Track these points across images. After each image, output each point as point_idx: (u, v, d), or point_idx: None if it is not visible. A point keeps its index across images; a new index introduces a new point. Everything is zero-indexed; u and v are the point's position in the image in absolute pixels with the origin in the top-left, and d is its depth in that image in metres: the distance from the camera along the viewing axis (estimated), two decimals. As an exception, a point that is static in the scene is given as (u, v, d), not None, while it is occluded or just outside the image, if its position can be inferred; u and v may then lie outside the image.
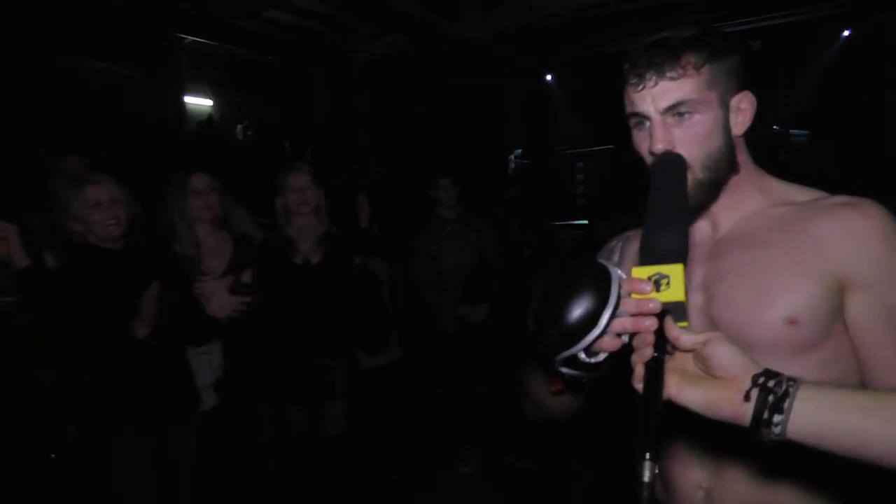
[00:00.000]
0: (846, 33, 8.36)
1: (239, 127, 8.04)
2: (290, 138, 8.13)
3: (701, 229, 1.24)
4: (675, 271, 0.92)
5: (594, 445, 3.43)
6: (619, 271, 0.99)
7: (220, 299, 2.83)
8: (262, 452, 3.26)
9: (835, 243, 1.07)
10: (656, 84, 1.11)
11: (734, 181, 1.19)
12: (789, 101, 8.46)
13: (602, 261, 1.02)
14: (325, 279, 3.22)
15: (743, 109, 1.17)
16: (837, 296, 1.07)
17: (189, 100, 7.69)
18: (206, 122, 7.80)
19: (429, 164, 5.74)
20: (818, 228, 1.10)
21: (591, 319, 0.94)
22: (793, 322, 1.08)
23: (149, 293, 2.55)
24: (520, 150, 10.29)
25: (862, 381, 1.09)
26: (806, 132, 8.85)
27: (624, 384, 0.91)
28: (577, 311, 0.94)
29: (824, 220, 1.10)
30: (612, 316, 0.94)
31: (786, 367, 1.07)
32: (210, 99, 7.94)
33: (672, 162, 1.08)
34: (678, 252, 0.94)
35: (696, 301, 1.19)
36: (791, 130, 8.66)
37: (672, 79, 1.11)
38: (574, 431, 3.71)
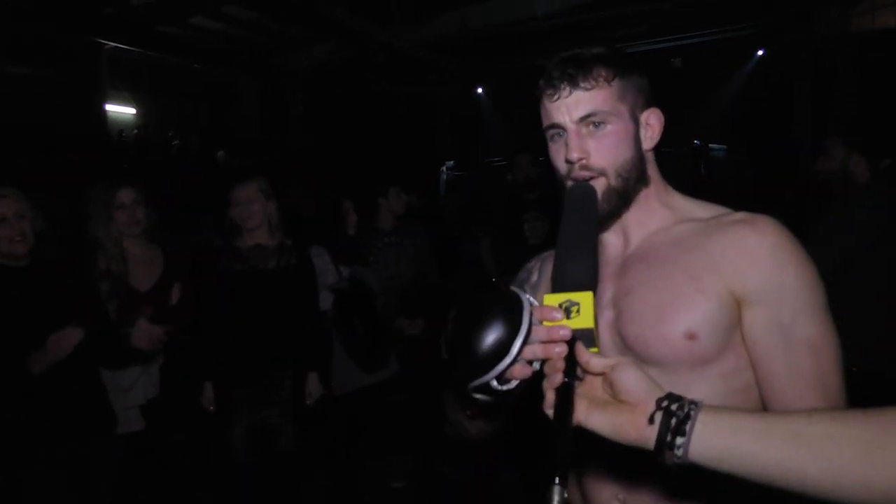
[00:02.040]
0: (760, 52, 8.78)
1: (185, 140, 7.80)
2: (223, 147, 7.96)
3: (613, 245, 1.28)
4: (584, 299, 0.94)
5: (526, 455, 3.46)
6: (532, 298, 1.01)
7: (141, 331, 2.74)
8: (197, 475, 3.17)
9: (728, 260, 1.11)
10: (570, 94, 1.17)
11: (644, 194, 1.23)
12: (708, 117, 8.83)
13: (514, 288, 1.03)
14: (272, 290, 3.16)
15: (651, 125, 1.23)
16: (734, 310, 1.11)
17: (111, 108, 7.42)
18: (130, 131, 7.55)
19: (375, 173, 5.67)
20: (714, 245, 1.14)
21: (502, 348, 0.95)
22: (692, 337, 1.11)
23: (62, 334, 2.42)
24: (452, 162, 10.36)
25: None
26: (724, 147, 9.23)
27: (537, 409, 0.92)
28: (489, 339, 0.95)
29: (720, 238, 1.14)
30: (524, 344, 0.95)
31: (689, 380, 1.12)
32: (133, 107, 7.69)
33: (584, 191, 1.12)
34: (588, 280, 0.97)
35: (608, 317, 1.22)
36: (710, 145, 9.02)
37: (585, 89, 1.16)
38: (505, 441, 3.73)
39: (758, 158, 8.63)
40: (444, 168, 10.23)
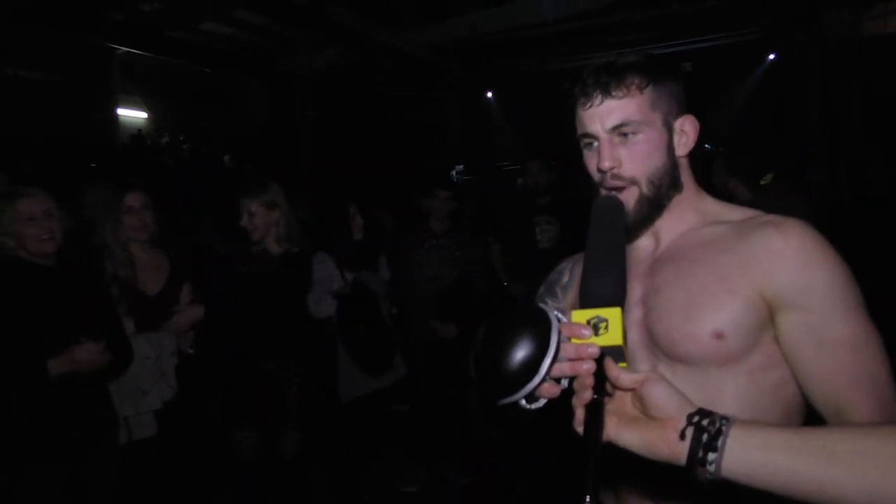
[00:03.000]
0: (772, 56, 8.74)
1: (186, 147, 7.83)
2: (230, 152, 7.99)
3: (644, 246, 1.29)
4: (613, 315, 0.93)
5: (535, 461, 3.45)
6: (560, 315, 1.00)
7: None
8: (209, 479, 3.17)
9: (758, 262, 1.12)
10: (602, 102, 1.18)
11: (677, 199, 1.25)
12: (720, 121, 8.79)
13: (542, 305, 1.03)
14: (266, 294, 3.15)
15: (686, 132, 1.24)
16: (763, 311, 1.11)
17: (122, 112, 7.47)
18: (140, 135, 7.57)
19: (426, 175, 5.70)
20: (743, 247, 1.15)
21: (531, 367, 0.95)
22: (719, 336, 1.12)
23: (85, 347, 2.46)
24: (461, 166, 10.37)
25: (798, 391, 1.13)
26: (734, 151, 9.18)
27: (566, 426, 0.91)
28: (517, 358, 0.95)
29: (749, 240, 1.15)
30: (553, 363, 0.95)
31: (718, 378, 1.13)
32: (144, 111, 7.73)
33: (611, 205, 1.12)
34: (616, 296, 0.96)
35: (637, 315, 1.24)
36: (721, 149, 8.98)
37: (617, 98, 1.17)
38: (515, 448, 3.73)
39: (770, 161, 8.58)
40: (455, 172, 10.23)
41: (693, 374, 1.15)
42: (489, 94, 10.62)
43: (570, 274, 1.44)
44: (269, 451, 3.24)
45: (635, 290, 1.24)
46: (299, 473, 3.36)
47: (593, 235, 1.06)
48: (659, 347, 1.20)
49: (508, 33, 7.95)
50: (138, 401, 2.84)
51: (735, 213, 1.25)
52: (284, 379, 3.22)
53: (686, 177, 1.27)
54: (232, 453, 3.22)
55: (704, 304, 1.15)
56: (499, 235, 4.75)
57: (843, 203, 7.36)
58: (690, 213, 1.26)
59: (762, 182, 3.38)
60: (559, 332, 0.96)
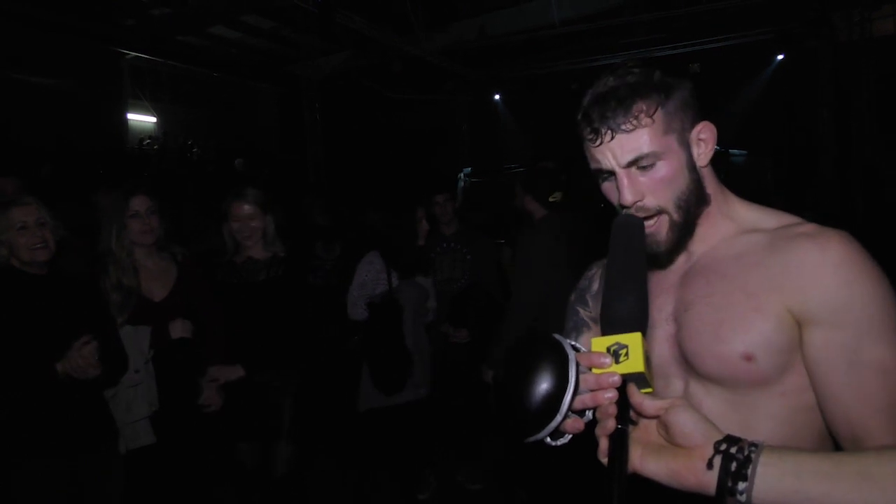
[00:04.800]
0: (780, 57, 8.70)
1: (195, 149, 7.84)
2: (241, 157, 7.99)
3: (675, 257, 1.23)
4: (633, 340, 0.89)
5: (546, 467, 3.44)
6: (576, 344, 0.98)
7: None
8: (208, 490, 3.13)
9: (790, 277, 1.05)
10: (613, 138, 1.09)
11: (706, 213, 1.17)
12: (728, 122, 8.73)
13: (557, 336, 0.99)
14: (265, 301, 3.11)
15: (704, 140, 1.15)
16: (793, 330, 1.05)
17: (132, 116, 7.49)
18: (151, 139, 7.59)
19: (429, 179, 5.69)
20: (775, 262, 1.08)
21: (551, 406, 0.92)
22: (748, 358, 1.06)
23: (80, 344, 2.40)
24: (469, 169, 10.35)
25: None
26: (744, 152, 9.13)
27: (589, 456, 0.90)
28: (537, 398, 0.92)
29: (781, 253, 1.08)
30: (573, 398, 0.91)
31: (752, 399, 1.08)
32: (154, 116, 7.76)
33: (629, 227, 1.05)
34: (636, 321, 0.92)
35: (669, 331, 1.18)
36: (730, 150, 8.92)
37: (627, 131, 1.08)
38: (525, 455, 3.71)
39: (778, 163, 8.57)
40: (462, 175, 10.21)
41: (726, 393, 1.11)
42: (497, 97, 10.60)
43: (599, 280, 1.38)
44: (266, 463, 3.19)
45: (667, 305, 1.19)
46: (300, 484, 3.32)
47: (612, 256, 1.00)
48: (691, 365, 1.15)
49: (516, 35, 7.95)
50: (130, 406, 2.77)
51: (770, 219, 1.16)
52: (279, 390, 3.15)
53: (711, 187, 1.18)
54: (231, 463, 3.18)
55: (733, 324, 1.08)
56: (509, 239, 4.73)
57: (855, 204, 7.33)
58: (722, 221, 1.18)
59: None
60: (577, 366, 0.92)
